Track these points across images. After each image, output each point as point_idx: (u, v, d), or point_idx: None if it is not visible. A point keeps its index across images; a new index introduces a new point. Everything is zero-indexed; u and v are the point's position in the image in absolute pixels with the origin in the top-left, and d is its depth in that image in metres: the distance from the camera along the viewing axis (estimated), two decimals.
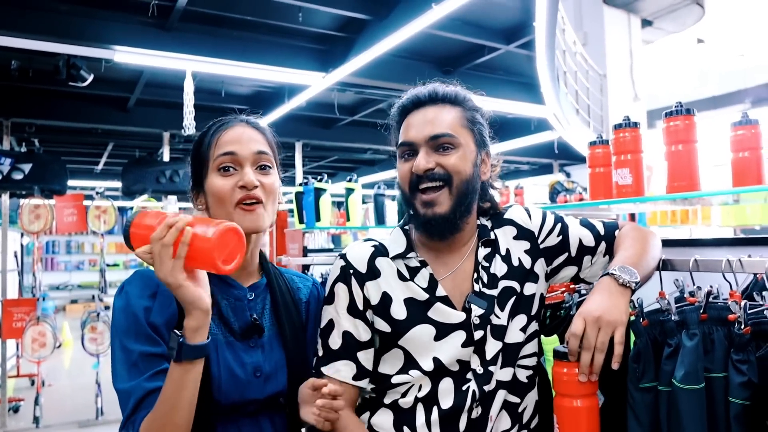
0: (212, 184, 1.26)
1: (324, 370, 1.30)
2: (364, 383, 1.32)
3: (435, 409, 1.25)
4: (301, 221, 3.58)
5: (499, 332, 1.29)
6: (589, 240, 1.39)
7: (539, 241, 1.39)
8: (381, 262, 1.34)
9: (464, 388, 1.25)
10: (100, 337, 5.56)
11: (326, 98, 6.55)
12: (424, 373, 1.26)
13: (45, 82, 5.58)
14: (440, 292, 1.30)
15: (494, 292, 1.31)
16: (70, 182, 6.30)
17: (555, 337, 1.35)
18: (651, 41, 8.11)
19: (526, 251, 1.38)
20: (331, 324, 1.33)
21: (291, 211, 3.84)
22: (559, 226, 1.40)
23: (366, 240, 1.40)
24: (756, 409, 1.09)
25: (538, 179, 10.79)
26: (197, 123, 4.89)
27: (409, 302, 1.30)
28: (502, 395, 1.28)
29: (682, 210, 5.07)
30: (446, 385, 1.26)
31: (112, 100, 6.72)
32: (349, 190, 3.59)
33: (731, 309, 1.15)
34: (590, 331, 1.10)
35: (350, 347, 1.31)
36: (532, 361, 1.34)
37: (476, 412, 1.26)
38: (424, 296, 1.30)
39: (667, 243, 1.48)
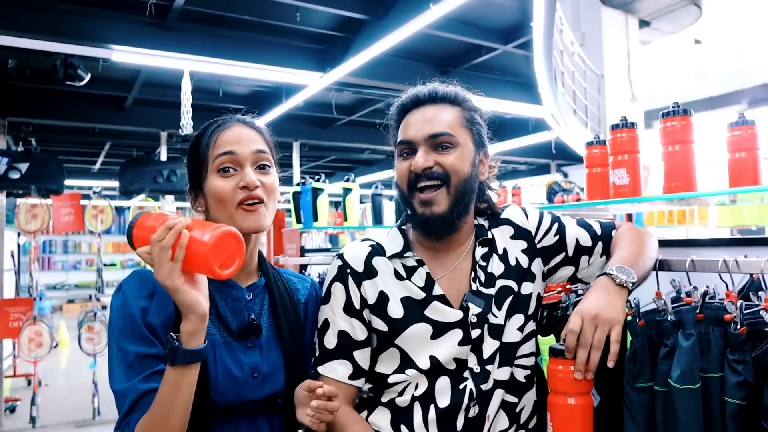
0: (212, 186, 1.25)
1: (320, 369, 1.31)
2: (361, 383, 1.32)
3: (432, 408, 1.25)
4: (298, 221, 3.58)
5: (497, 331, 1.30)
6: (586, 240, 1.39)
7: (536, 240, 1.40)
8: (378, 262, 1.34)
9: (461, 386, 1.26)
10: (97, 337, 5.55)
11: (324, 98, 6.55)
12: (421, 371, 1.26)
13: (42, 82, 5.57)
14: (437, 291, 1.31)
15: (491, 291, 1.32)
16: (67, 182, 6.29)
17: (552, 337, 1.35)
18: (648, 42, 8.12)
19: (523, 251, 1.38)
20: (326, 323, 1.33)
21: (288, 210, 3.83)
22: (556, 225, 1.41)
23: (363, 240, 1.41)
24: (752, 408, 1.09)
25: (536, 179, 10.80)
26: (195, 123, 4.88)
27: (406, 301, 1.30)
28: (499, 395, 1.29)
29: (679, 210, 5.08)
30: (443, 384, 1.26)
31: (110, 99, 6.71)
32: (347, 190, 3.59)
33: (727, 309, 1.15)
34: (587, 328, 1.11)
35: (346, 347, 1.31)
36: (529, 361, 1.34)
37: (473, 411, 1.26)
38: (421, 295, 1.30)
39: (663, 243, 1.48)
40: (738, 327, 1.12)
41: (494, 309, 1.30)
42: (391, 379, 1.29)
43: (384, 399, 1.31)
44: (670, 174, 1.67)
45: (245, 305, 1.29)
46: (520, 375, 1.33)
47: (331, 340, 1.31)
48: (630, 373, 1.23)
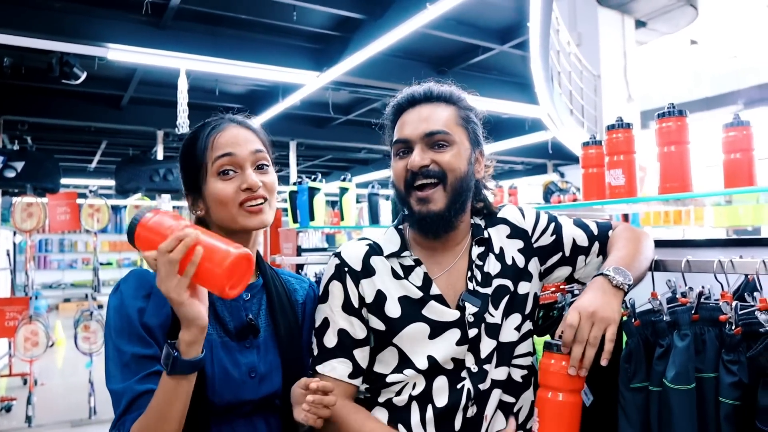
0: (214, 189, 1.24)
1: (319, 368, 1.30)
2: (359, 382, 1.32)
3: (430, 408, 1.26)
4: (295, 220, 3.58)
5: (494, 331, 1.30)
6: (582, 240, 1.40)
7: (533, 240, 1.40)
8: (375, 261, 1.34)
9: (459, 386, 1.26)
10: (93, 336, 5.54)
11: (320, 97, 6.55)
12: (418, 371, 1.26)
13: (38, 80, 5.56)
14: (434, 290, 1.31)
15: (488, 291, 1.32)
16: (63, 180, 6.27)
17: (548, 337, 1.35)
18: (645, 42, 8.15)
19: (519, 250, 1.39)
20: (326, 322, 1.33)
21: (285, 210, 3.83)
22: (552, 225, 1.41)
23: (360, 239, 1.41)
24: (746, 409, 1.10)
25: (532, 179, 10.81)
26: (191, 121, 4.87)
27: (404, 300, 1.30)
28: (497, 395, 1.29)
29: (675, 211, 5.09)
30: (440, 384, 1.26)
31: (106, 98, 6.70)
32: (343, 190, 3.59)
33: (722, 310, 1.16)
34: (584, 324, 1.11)
35: (346, 345, 1.31)
36: (526, 361, 1.35)
37: (471, 411, 1.26)
38: (418, 294, 1.30)
39: (659, 243, 1.49)
40: (733, 327, 1.13)
41: (491, 308, 1.31)
42: (389, 379, 1.29)
43: (381, 399, 1.31)
44: (666, 174, 1.67)
45: (243, 305, 1.29)
46: (518, 375, 1.33)
47: (331, 339, 1.31)
48: (625, 373, 1.23)
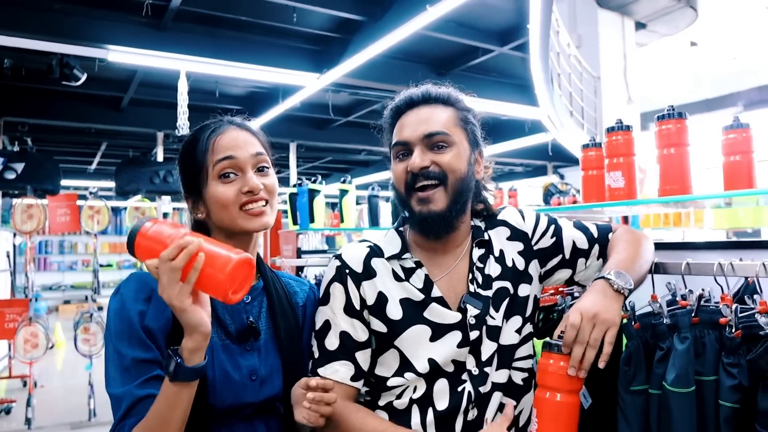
0: (215, 192, 1.24)
1: (321, 371, 1.29)
2: (360, 384, 1.32)
3: (430, 411, 1.25)
4: (294, 222, 3.58)
5: (494, 333, 1.30)
6: (582, 242, 1.40)
7: (533, 242, 1.40)
8: (376, 263, 1.34)
9: (460, 389, 1.26)
10: (93, 338, 5.53)
11: (320, 99, 6.55)
12: (419, 374, 1.26)
13: (38, 81, 5.56)
14: (435, 292, 1.31)
15: (489, 293, 1.32)
16: (63, 182, 6.27)
17: (547, 339, 1.35)
18: (644, 44, 8.15)
19: (519, 252, 1.39)
20: (327, 325, 1.32)
21: (285, 212, 3.83)
22: (552, 228, 1.41)
23: (361, 241, 1.41)
24: (746, 412, 1.10)
25: (532, 181, 10.83)
26: (191, 123, 4.87)
27: (405, 303, 1.30)
28: (497, 397, 1.29)
29: (675, 213, 5.10)
30: (441, 386, 1.26)
31: (106, 99, 6.70)
32: (343, 192, 3.59)
33: (722, 312, 1.15)
34: (586, 325, 1.11)
35: (348, 347, 1.30)
36: (527, 364, 1.34)
37: (472, 414, 1.26)
38: (419, 297, 1.30)
39: (659, 246, 1.49)
40: (733, 330, 1.13)
41: (492, 311, 1.31)
42: (390, 382, 1.29)
43: (381, 402, 1.30)
44: (666, 177, 1.67)
45: (244, 308, 1.29)
46: (518, 378, 1.32)
47: (332, 342, 1.31)
48: (625, 376, 1.23)
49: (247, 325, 1.26)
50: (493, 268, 1.35)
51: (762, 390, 1.07)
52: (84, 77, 4.93)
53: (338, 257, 1.37)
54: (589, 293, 1.18)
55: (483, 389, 1.27)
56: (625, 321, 1.25)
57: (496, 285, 1.33)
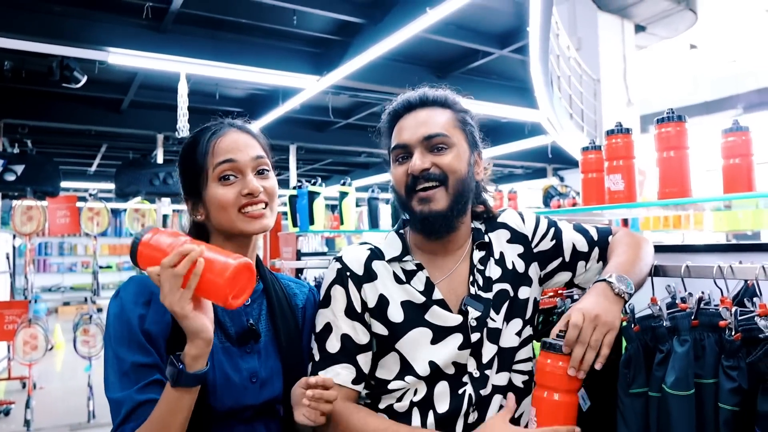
0: (214, 194, 1.24)
1: (322, 374, 1.29)
2: (361, 387, 1.32)
3: (431, 414, 1.25)
4: (294, 224, 3.58)
5: (495, 336, 1.30)
6: (582, 245, 1.40)
7: (533, 245, 1.40)
8: (377, 265, 1.34)
9: (460, 391, 1.26)
10: (93, 340, 5.53)
11: (320, 101, 6.56)
12: (420, 377, 1.26)
13: (38, 83, 5.56)
14: (437, 295, 1.30)
15: (489, 296, 1.32)
16: (63, 184, 6.28)
17: (545, 338, 1.35)
18: (644, 46, 8.16)
19: (519, 255, 1.39)
20: (328, 327, 1.32)
21: (285, 214, 3.83)
22: (552, 230, 1.41)
23: (361, 243, 1.41)
24: (745, 415, 1.10)
25: (532, 183, 10.83)
26: (191, 125, 4.88)
27: (406, 305, 1.30)
28: (498, 400, 1.28)
29: (675, 215, 5.10)
30: (442, 389, 1.26)
31: (106, 101, 6.70)
32: (343, 194, 3.59)
33: (722, 315, 1.16)
34: (587, 327, 1.11)
35: (349, 350, 1.30)
36: (527, 366, 1.34)
37: (473, 416, 1.26)
38: (420, 299, 1.30)
39: (658, 249, 1.49)
40: (733, 333, 1.13)
41: (492, 313, 1.31)
42: (391, 386, 1.29)
43: (381, 405, 1.30)
44: (665, 180, 1.67)
45: (244, 310, 1.29)
46: (518, 380, 1.32)
47: (334, 344, 1.30)
48: (624, 379, 1.23)
49: (247, 327, 1.26)
50: (493, 271, 1.35)
51: (761, 393, 1.07)
52: (84, 79, 4.94)
53: (339, 259, 1.37)
54: (590, 294, 1.18)
55: (483, 392, 1.27)
56: (624, 324, 1.26)
57: (497, 287, 1.33)
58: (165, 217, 7.07)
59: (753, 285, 1.27)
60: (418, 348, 1.27)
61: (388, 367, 1.30)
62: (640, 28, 7.58)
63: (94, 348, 5.51)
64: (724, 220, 5.01)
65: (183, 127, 4.82)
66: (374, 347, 1.33)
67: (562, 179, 10.09)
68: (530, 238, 1.40)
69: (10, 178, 5.46)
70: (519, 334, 1.33)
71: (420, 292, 1.31)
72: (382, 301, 1.30)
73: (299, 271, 3.09)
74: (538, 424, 1.13)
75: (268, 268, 1.44)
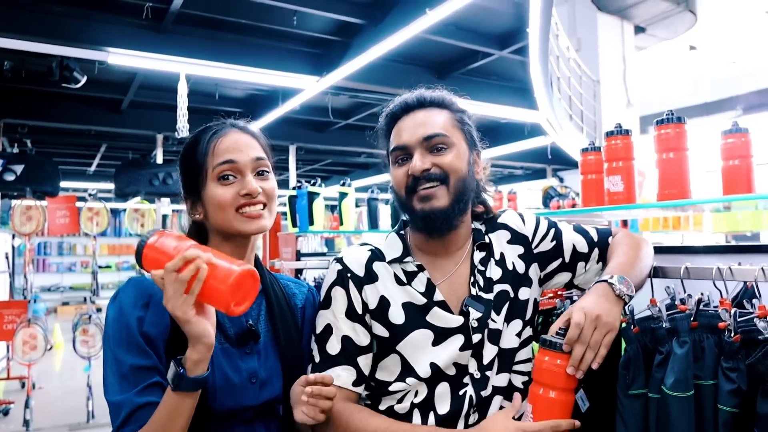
0: (213, 194, 1.24)
1: None
2: (362, 389, 1.32)
3: (432, 415, 1.25)
4: (294, 225, 3.58)
5: (495, 337, 1.30)
6: (582, 246, 1.40)
7: (533, 246, 1.40)
8: (378, 266, 1.34)
9: (461, 393, 1.26)
10: (92, 340, 5.52)
11: (320, 102, 6.56)
12: (421, 379, 1.26)
13: (38, 83, 5.57)
14: (438, 296, 1.30)
15: (490, 296, 1.32)
16: (63, 184, 6.28)
17: (544, 336, 1.35)
18: (644, 48, 8.15)
19: (519, 256, 1.39)
20: (328, 329, 1.32)
21: (284, 214, 3.83)
22: (552, 231, 1.41)
23: (361, 244, 1.40)
24: (744, 416, 1.10)
25: (532, 184, 10.83)
26: (191, 125, 4.88)
27: (408, 307, 1.30)
28: (498, 401, 1.28)
29: (674, 216, 5.10)
30: (442, 390, 1.26)
31: (106, 101, 6.70)
32: (343, 194, 3.59)
33: (721, 317, 1.16)
34: (588, 326, 1.11)
35: (350, 352, 1.29)
36: (527, 367, 1.34)
37: (473, 418, 1.25)
38: (422, 301, 1.30)
39: (658, 250, 1.49)
40: (732, 335, 1.13)
41: (493, 314, 1.30)
42: (392, 387, 1.28)
43: (382, 407, 1.30)
44: (665, 181, 1.68)
45: None
46: (518, 381, 1.32)
47: (334, 346, 1.30)
48: (623, 380, 1.23)
49: (247, 328, 1.26)
50: (494, 272, 1.35)
51: (761, 394, 1.07)
52: (84, 79, 4.94)
53: (339, 260, 1.36)
54: (591, 295, 1.18)
55: (484, 393, 1.27)
56: (624, 325, 1.26)
57: (497, 288, 1.33)
58: (164, 217, 7.07)
59: (752, 286, 1.27)
60: (420, 350, 1.27)
61: (389, 369, 1.30)
62: (639, 30, 7.58)
63: (93, 348, 5.51)
64: (723, 222, 5.02)
65: (182, 128, 4.82)
66: (375, 349, 1.32)
67: (561, 180, 10.09)
68: (530, 239, 1.40)
69: (10, 177, 5.46)
70: (519, 335, 1.33)
71: (421, 293, 1.30)
72: (383, 303, 1.30)
73: (299, 272, 3.09)
74: (534, 420, 1.13)
75: (268, 268, 1.44)
